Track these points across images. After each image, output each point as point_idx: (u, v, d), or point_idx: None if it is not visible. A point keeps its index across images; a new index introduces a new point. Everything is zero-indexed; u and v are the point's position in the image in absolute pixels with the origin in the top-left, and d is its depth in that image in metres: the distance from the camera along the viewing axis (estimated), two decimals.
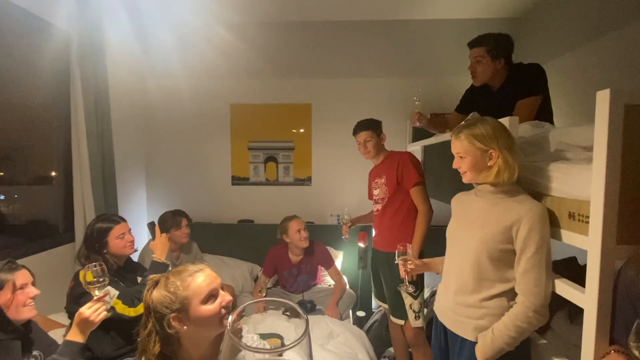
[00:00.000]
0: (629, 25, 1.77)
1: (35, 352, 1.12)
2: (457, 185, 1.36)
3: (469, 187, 1.25)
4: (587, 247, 0.85)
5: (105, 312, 1.12)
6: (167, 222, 2.22)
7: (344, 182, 2.99)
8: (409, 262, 1.31)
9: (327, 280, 2.54)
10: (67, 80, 2.09)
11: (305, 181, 3.03)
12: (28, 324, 1.13)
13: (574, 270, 1.36)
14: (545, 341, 1.08)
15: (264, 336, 1.75)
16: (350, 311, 2.34)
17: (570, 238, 0.94)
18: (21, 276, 1.10)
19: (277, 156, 3.03)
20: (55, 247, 2.02)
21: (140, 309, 1.45)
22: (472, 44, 1.72)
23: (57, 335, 1.51)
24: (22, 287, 1.09)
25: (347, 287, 2.41)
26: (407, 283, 1.41)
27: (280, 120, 2.99)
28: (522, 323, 0.99)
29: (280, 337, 1.76)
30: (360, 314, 2.56)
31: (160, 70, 2.83)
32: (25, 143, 2.04)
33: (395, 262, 1.58)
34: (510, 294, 1.06)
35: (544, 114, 1.62)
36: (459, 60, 1.78)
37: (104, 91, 2.24)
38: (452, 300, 1.13)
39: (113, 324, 1.45)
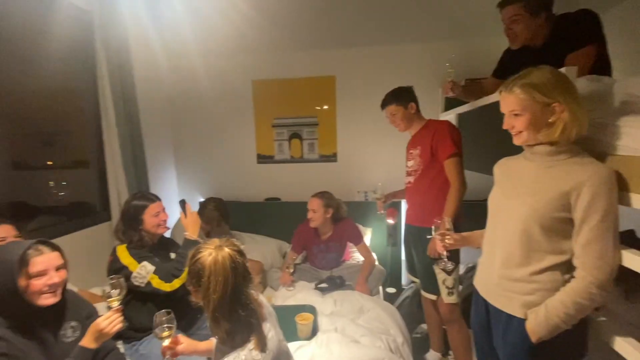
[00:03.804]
0: None
1: (73, 323, 1.15)
2: (497, 153, 1.23)
3: (510, 154, 1.12)
4: None
5: (120, 324, 1.11)
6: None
7: (370, 158, 2.88)
8: (448, 236, 1.22)
9: (355, 256, 2.50)
10: (93, 62, 2.11)
11: (331, 158, 2.96)
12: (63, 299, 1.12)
13: (631, 244, 1.22)
14: (604, 318, 0.98)
15: (294, 308, 1.75)
16: (381, 287, 2.30)
17: None
18: (40, 262, 1.04)
19: (301, 133, 2.96)
20: (93, 225, 2.12)
21: (175, 284, 1.49)
22: (504, 3, 1.49)
23: (100, 307, 1.59)
24: (39, 275, 1.03)
25: (376, 263, 2.36)
26: (446, 259, 1.31)
27: (304, 95, 2.90)
28: (583, 300, 0.88)
29: (312, 309, 1.75)
30: (391, 290, 2.52)
31: (178, 49, 2.80)
32: (62, 128, 2.12)
33: (428, 236, 1.50)
34: (564, 267, 0.95)
35: (601, 66, 1.41)
36: (496, 19, 1.59)
37: (129, 72, 2.25)
38: (497, 275, 1.04)
39: (149, 297, 1.50)
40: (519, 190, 1.01)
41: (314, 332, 1.63)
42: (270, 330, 1.00)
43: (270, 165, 3.03)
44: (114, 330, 1.09)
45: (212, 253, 0.96)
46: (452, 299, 1.73)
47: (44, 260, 1.05)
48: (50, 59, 1.91)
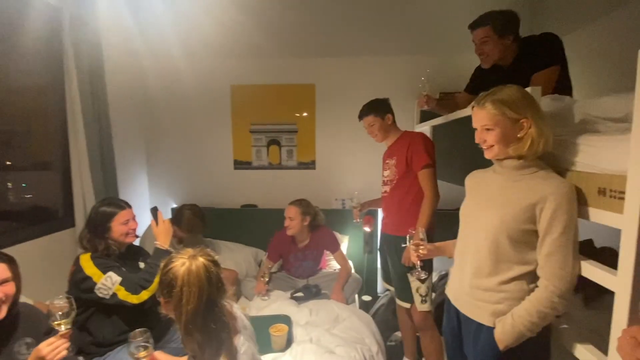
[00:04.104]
0: None
1: (27, 340, 1.06)
2: (468, 165, 1.28)
3: (481, 167, 1.17)
4: (621, 225, 0.78)
5: (65, 352, 0.99)
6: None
7: (348, 166, 2.91)
8: (422, 246, 1.25)
9: (332, 264, 2.50)
10: (60, 59, 2.00)
11: (309, 165, 2.96)
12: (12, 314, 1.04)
13: (589, 253, 1.31)
14: (566, 326, 1.03)
15: (269, 319, 1.72)
16: (356, 296, 2.31)
17: (600, 217, 0.87)
18: None
19: (280, 139, 2.95)
20: (55, 232, 1.98)
21: (143, 296, 1.41)
22: (474, 25, 1.59)
23: None
24: None
25: (352, 271, 2.37)
26: (420, 269, 1.34)
27: (283, 102, 2.89)
28: (545, 308, 0.92)
29: (287, 319, 1.73)
30: (366, 298, 2.54)
31: (156, 48, 2.71)
32: (23, 128, 1.98)
33: (403, 245, 1.52)
34: (530, 277, 0.99)
35: (563, 86, 1.52)
36: (469, 37, 1.68)
37: (99, 71, 2.15)
38: (468, 284, 1.07)
39: (115, 309, 1.42)
40: (488, 203, 1.06)
41: (288, 343, 1.60)
42: (244, 344, 0.97)
43: (248, 172, 2.99)
44: (57, 358, 0.97)
45: (186, 263, 0.93)
46: (425, 307, 1.77)
47: None
48: (12, 54, 1.80)
